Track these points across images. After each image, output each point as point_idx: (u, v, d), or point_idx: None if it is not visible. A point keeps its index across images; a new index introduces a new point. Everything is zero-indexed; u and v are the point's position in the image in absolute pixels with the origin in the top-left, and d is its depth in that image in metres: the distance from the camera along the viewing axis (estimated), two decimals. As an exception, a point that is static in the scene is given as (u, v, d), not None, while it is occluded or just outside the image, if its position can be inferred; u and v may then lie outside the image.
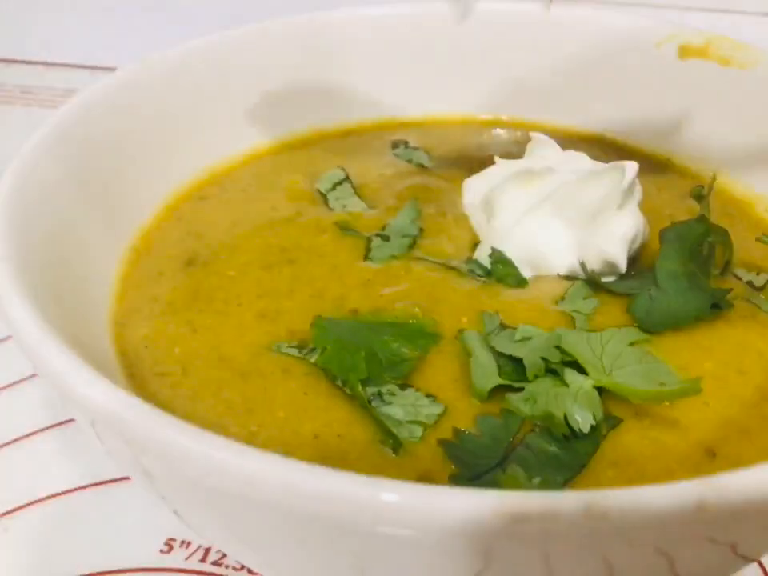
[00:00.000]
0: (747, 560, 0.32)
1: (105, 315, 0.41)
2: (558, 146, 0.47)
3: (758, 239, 0.44)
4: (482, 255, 0.44)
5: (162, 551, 0.41)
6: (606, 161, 0.44)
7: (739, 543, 0.27)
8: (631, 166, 0.42)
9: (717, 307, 0.39)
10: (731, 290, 0.40)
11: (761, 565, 0.40)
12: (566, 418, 0.33)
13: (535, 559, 0.25)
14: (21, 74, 0.90)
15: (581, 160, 0.46)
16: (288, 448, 0.33)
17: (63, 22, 1.03)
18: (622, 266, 0.41)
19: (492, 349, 0.36)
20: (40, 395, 0.49)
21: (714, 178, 0.44)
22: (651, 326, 0.38)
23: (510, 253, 0.43)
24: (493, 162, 0.50)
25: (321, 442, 0.34)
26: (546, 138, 0.48)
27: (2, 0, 1.08)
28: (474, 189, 0.48)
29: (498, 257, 0.42)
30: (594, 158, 0.46)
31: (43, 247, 0.37)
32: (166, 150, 0.49)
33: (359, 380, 0.35)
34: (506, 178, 0.45)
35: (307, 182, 0.51)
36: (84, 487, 0.44)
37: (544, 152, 0.47)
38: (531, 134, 0.49)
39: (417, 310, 0.39)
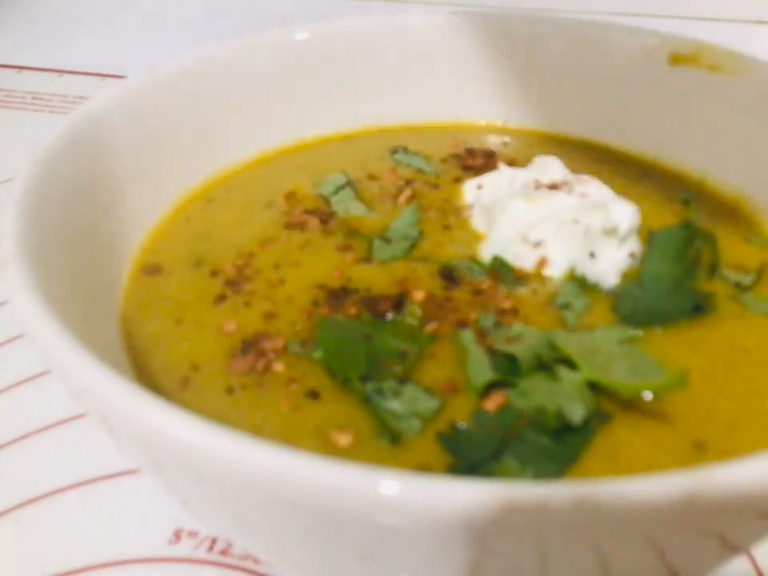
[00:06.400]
0: (736, 551, 0.33)
1: (115, 312, 0.42)
2: (564, 167, 0.48)
3: (746, 240, 0.45)
4: (482, 257, 0.45)
5: (169, 541, 0.41)
6: (598, 166, 0.45)
7: (728, 534, 0.27)
8: (635, 212, 0.43)
9: (699, 309, 0.40)
10: (713, 293, 0.41)
11: (753, 561, 0.41)
12: (558, 411, 0.34)
13: (529, 548, 0.25)
14: (32, 80, 0.91)
15: (591, 185, 0.46)
16: (291, 440, 0.34)
17: (74, 31, 1.04)
18: (611, 284, 0.43)
19: (488, 346, 0.37)
20: (50, 391, 0.50)
21: (701, 183, 0.45)
22: (635, 326, 0.39)
23: (508, 260, 0.44)
24: (493, 167, 0.51)
25: (323, 436, 0.34)
26: (553, 159, 0.49)
27: (15, 10, 1.09)
28: (476, 192, 0.49)
29: (497, 261, 0.44)
30: (586, 162, 0.47)
31: (55, 247, 0.37)
32: (175, 154, 0.50)
33: (359, 376, 0.36)
34: (512, 189, 0.46)
35: (311, 186, 0.52)
36: (93, 480, 0.45)
37: (551, 172, 0.48)
38: (538, 156, 0.50)
39: (416, 308, 0.40)
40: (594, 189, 0.46)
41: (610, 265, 0.43)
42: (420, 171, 0.54)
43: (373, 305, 0.41)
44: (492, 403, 0.35)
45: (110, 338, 0.39)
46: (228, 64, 0.54)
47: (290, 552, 0.32)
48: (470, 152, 0.56)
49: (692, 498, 0.23)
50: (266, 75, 0.55)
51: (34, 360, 0.51)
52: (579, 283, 0.42)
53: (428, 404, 0.35)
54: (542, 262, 0.43)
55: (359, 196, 0.51)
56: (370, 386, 0.36)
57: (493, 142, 0.58)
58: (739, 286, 0.43)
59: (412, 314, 0.40)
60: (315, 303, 0.41)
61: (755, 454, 0.25)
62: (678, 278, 0.41)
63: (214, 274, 0.44)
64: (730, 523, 0.26)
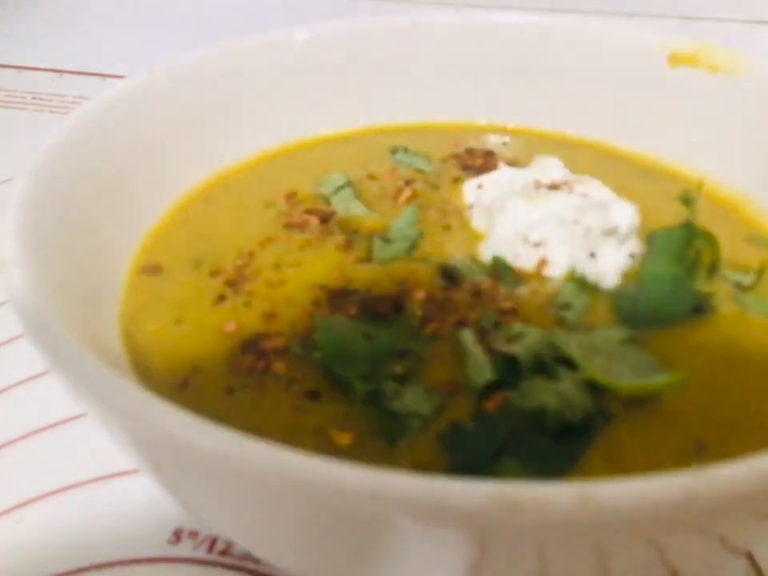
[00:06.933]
0: (737, 551, 0.33)
1: (115, 312, 0.42)
2: (564, 168, 0.48)
3: (747, 240, 0.45)
4: (482, 257, 0.45)
5: (170, 542, 0.41)
6: (598, 166, 0.45)
7: (728, 534, 0.27)
8: (634, 213, 0.43)
9: (699, 309, 0.40)
10: (713, 294, 0.41)
11: (753, 561, 0.41)
12: (558, 411, 0.34)
13: (530, 549, 0.26)
14: (33, 80, 0.91)
15: (591, 185, 0.46)
16: (292, 441, 0.34)
17: (75, 31, 1.04)
18: (612, 284, 0.43)
19: (488, 346, 0.37)
20: (50, 391, 0.49)
21: (701, 183, 0.45)
22: (635, 326, 0.39)
23: (508, 260, 0.44)
24: (493, 166, 0.51)
25: (323, 436, 0.34)
26: (554, 160, 0.49)
27: (15, 9, 1.10)
28: (476, 192, 0.49)
29: (497, 261, 0.44)
30: (586, 162, 0.47)
31: (55, 247, 0.38)
32: (175, 154, 0.50)
33: (359, 376, 0.36)
34: (512, 189, 0.46)
35: (311, 186, 0.52)
36: (93, 480, 0.45)
37: (551, 172, 0.48)
38: (538, 156, 0.50)
39: (416, 308, 0.40)
40: (594, 189, 0.46)
41: (610, 265, 0.43)
42: (420, 171, 0.54)
43: (373, 305, 0.40)
44: (492, 403, 0.35)
45: (109, 338, 0.39)
46: (228, 64, 0.54)
47: (289, 552, 0.32)
48: (470, 152, 0.56)
49: (692, 498, 0.23)
50: (266, 75, 0.55)
51: (34, 360, 0.51)
52: (579, 283, 0.42)
53: (428, 404, 0.35)
54: (542, 262, 0.43)
55: (359, 196, 0.51)
56: (369, 386, 0.36)
57: (493, 141, 0.58)
58: (739, 287, 0.43)
59: (412, 314, 0.40)
60: (315, 303, 0.41)
61: (755, 454, 0.25)
62: (678, 279, 0.41)
63: (214, 273, 0.44)
64: (731, 523, 0.26)
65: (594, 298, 0.41)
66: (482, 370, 0.36)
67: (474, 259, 0.45)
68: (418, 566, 0.28)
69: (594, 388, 0.35)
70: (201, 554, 0.41)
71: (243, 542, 0.35)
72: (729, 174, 0.51)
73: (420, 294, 0.41)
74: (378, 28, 0.58)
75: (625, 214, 0.43)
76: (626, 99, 0.56)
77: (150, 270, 0.45)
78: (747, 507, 0.25)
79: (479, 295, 0.41)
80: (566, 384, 0.35)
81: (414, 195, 0.50)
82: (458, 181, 0.52)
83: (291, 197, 0.51)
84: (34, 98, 0.87)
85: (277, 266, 0.44)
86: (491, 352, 0.37)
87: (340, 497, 0.24)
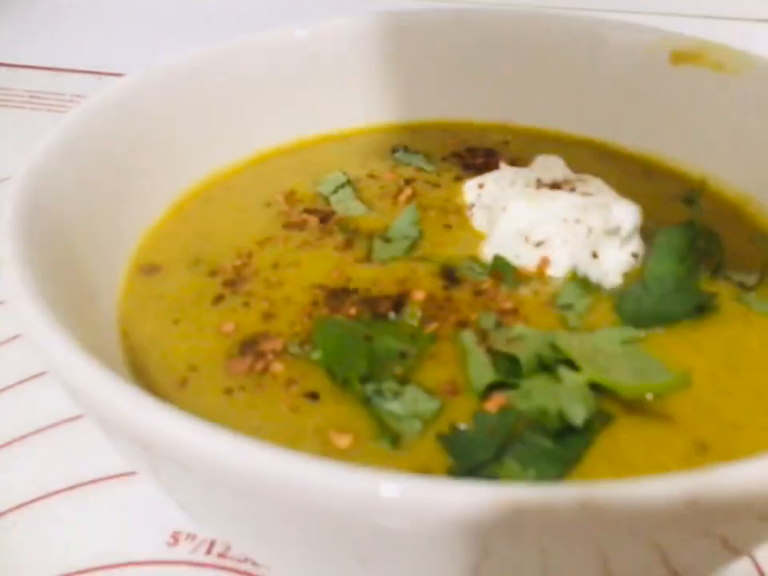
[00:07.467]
0: (739, 552, 0.33)
1: (113, 312, 0.41)
2: (566, 167, 0.48)
3: (750, 240, 0.45)
4: (483, 257, 0.44)
5: (168, 544, 0.41)
6: (600, 165, 0.45)
7: (731, 536, 0.27)
8: (637, 212, 0.43)
9: (702, 309, 0.40)
10: (716, 293, 0.41)
11: (755, 562, 0.41)
12: (560, 413, 0.34)
13: (531, 551, 0.25)
14: (29, 79, 0.91)
15: (593, 184, 0.46)
16: (291, 442, 0.34)
17: (72, 30, 1.04)
18: (614, 284, 0.42)
19: (488, 347, 0.37)
20: (48, 392, 0.49)
21: (703, 183, 0.45)
22: (637, 326, 0.39)
23: (510, 260, 0.43)
24: (494, 165, 0.51)
25: (322, 437, 0.34)
26: (555, 158, 0.49)
27: (12, 7, 1.09)
28: (477, 191, 0.49)
29: (498, 261, 0.43)
30: (588, 162, 0.47)
31: (52, 246, 0.37)
32: (173, 152, 0.50)
33: (359, 377, 0.36)
34: (513, 188, 0.46)
35: (310, 185, 0.51)
36: (92, 482, 0.44)
37: (553, 171, 0.48)
38: (540, 155, 0.50)
39: (417, 309, 0.40)
40: (596, 188, 0.46)
41: (613, 265, 0.42)
42: (420, 170, 0.53)
43: (373, 305, 0.40)
44: (493, 404, 0.35)
45: (107, 338, 0.39)
46: (227, 62, 0.54)
47: (288, 554, 0.32)
48: (471, 151, 0.55)
49: (694, 500, 0.23)
50: (265, 73, 0.55)
51: (33, 360, 0.51)
52: (581, 283, 0.42)
53: (428, 405, 0.35)
54: (544, 262, 0.43)
55: (359, 195, 0.50)
56: (369, 387, 0.36)
57: (494, 140, 0.58)
58: (742, 286, 0.42)
59: (412, 315, 0.40)
60: (315, 303, 0.41)
61: (758, 454, 0.25)
62: (681, 278, 0.41)
63: (213, 273, 0.44)
64: (733, 525, 0.26)
65: (596, 298, 0.41)
66: (482, 370, 0.36)
67: (475, 259, 0.44)
68: (417, 567, 0.27)
69: (595, 388, 0.35)
70: (199, 556, 0.41)
71: (241, 543, 0.35)
72: (732, 172, 0.50)
73: (420, 294, 0.41)
74: (378, 26, 0.58)
75: (627, 214, 0.43)
76: (629, 98, 0.56)
77: (148, 269, 0.45)
78: (750, 509, 0.25)
79: (480, 295, 0.41)
80: (568, 385, 0.35)
81: (414, 194, 0.50)
82: (458, 180, 0.52)
83: (290, 196, 0.50)
84: (31, 97, 0.87)
85: (276, 266, 0.44)
86: (492, 353, 0.37)
87: (339, 499, 0.24)
